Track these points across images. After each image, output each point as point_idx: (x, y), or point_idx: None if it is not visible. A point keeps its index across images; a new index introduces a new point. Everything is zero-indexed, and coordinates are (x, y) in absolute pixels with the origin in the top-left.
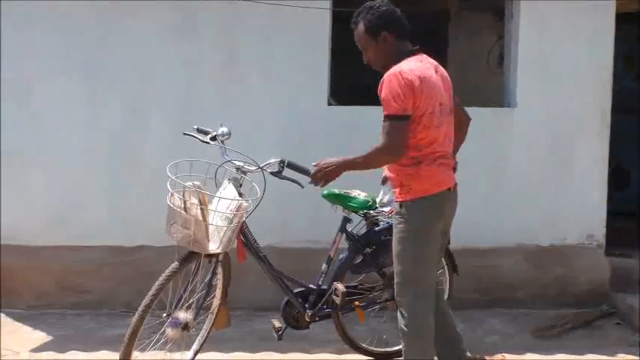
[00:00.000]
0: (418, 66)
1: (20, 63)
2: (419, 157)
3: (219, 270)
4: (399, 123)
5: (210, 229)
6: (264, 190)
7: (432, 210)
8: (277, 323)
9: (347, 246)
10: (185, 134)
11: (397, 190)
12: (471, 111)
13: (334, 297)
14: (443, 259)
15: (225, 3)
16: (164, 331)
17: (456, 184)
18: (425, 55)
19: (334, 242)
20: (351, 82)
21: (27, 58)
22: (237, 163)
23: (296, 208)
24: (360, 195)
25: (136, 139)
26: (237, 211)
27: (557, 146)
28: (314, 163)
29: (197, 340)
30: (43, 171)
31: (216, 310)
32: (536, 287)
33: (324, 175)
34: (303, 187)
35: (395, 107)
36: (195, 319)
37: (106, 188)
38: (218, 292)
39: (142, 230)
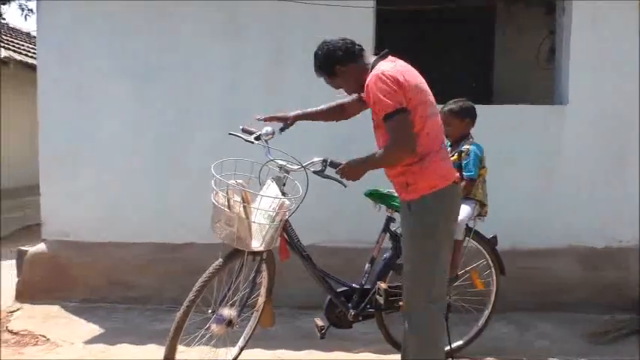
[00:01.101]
0: (394, 64)
1: (74, 66)
2: (422, 151)
3: (264, 268)
4: (400, 117)
5: (253, 227)
6: (307, 189)
7: (441, 205)
8: (320, 322)
9: (390, 246)
10: (230, 134)
11: (403, 190)
12: (519, 109)
13: (377, 297)
14: (490, 261)
15: (271, 3)
16: (209, 326)
17: (458, 178)
18: (394, 57)
19: (377, 242)
20: None
21: (81, 61)
22: (280, 162)
23: (340, 207)
24: None
25: (184, 139)
26: (279, 209)
27: (610, 145)
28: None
29: (242, 337)
30: (95, 170)
31: (261, 309)
32: (590, 290)
33: (347, 174)
34: (345, 186)
35: (390, 104)
36: (239, 316)
37: (155, 187)
38: (263, 291)
39: (189, 228)
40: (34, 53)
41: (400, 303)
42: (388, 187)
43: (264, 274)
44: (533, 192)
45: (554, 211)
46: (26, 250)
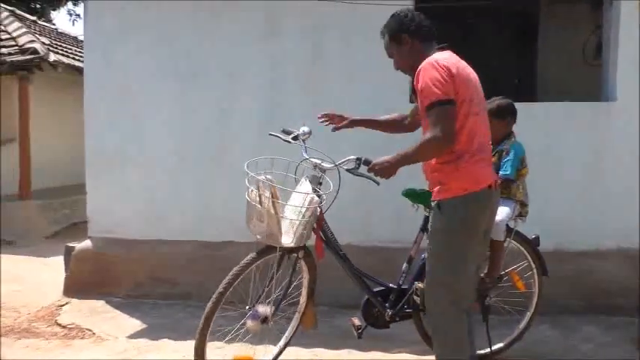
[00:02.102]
0: (449, 56)
1: (119, 68)
2: (459, 150)
3: (303, 268)
4: (445, 107)
5: (284, 222)
6: (339, 187)
7: (471, 209)
8: (357, 321)
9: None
10: (270, 134)
11: (436, 188)
12: (565, 106)
13: (415, 297)
14: (532, 262)
15: (309, 3)
16: (244, 322)
17: (497, 182)
18: (452, 52)
19: (415, 241)
20: None
21: (125, 63)
22: (315, 160)
23: (378, 207)
24: None
25: (225, 139)
26: (308, 205)
27: None
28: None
29: (283, 337)
30: (139, 170)
31: (302, 310)
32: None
33: (379, 172)
34: (378, 184)
35: (438, 93)
36: (274, 314)
37: (198, 186)
38: (304, 291)
39: (230, 227)
40: (81, 56)
41: None
42: (422, 187)
43: (306, 275)
44: (580, 191)
45: (602, 212)
46: (73, 247)
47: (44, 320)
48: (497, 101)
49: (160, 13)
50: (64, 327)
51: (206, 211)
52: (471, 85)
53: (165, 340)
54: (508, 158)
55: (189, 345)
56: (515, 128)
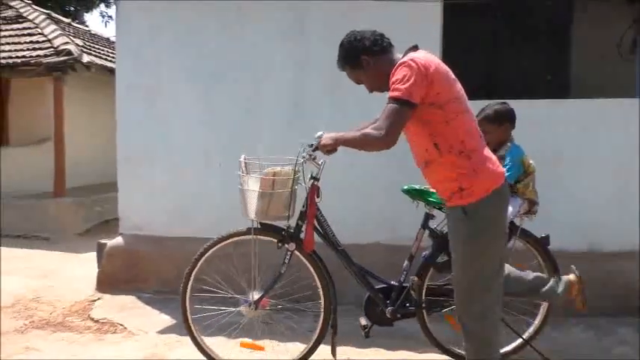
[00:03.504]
0: (426, 54)
1: (149, 69)
2: (466, 150)
3: (310, 268)
4: (401, 108)
5: (248, 195)
6: (302, 166)
7: (497, 207)
8: (363, 321)
9: (431, 243)
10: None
11: (456, 195)
12: (598, 103)
13: (412, 291)
14: (542, 262)
15: (335, 3)
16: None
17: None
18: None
19: (416, 238)
20: (463, 78)
21: (155, 64)
22: (303, 154)
23: (407, 206)
24: None
25: (251, 138)
26: (270, 177)
27: None
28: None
29: (313, 339)
30: (168, 169)
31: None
32: None
33: (321, 147)
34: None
35: (402, 90)
36: (259, 299)
37: (223, 185)
38: (322, 299)
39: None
40: (113, 57)
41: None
42: (421, 183)
43: (314, 276)
44: (614, 191)
45: (635, 212)
46: (105, 243)
47: (78, 314)
48: (495, 106)
49: (187, 14)
50: (96, 321)
51: (232, 209)
52: (453, 82)
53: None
54: (506, 165)
55: (217, 341)
56: (548, 125)
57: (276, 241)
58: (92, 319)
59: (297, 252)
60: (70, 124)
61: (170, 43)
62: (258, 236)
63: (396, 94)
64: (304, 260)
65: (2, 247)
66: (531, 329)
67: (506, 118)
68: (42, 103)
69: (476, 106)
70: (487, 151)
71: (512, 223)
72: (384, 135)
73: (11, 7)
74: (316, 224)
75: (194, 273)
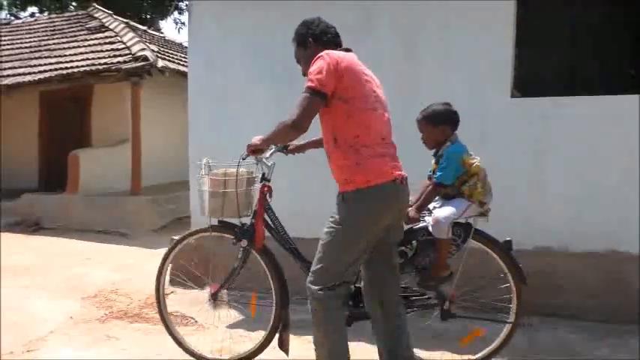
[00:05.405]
0: (346, 54)
1: (220, 72)
2: (357, 145)
3: (259, 257)
4: (312, 97)
5: (204, 194)
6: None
7: (371, 203)
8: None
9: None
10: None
11: (342, 183)
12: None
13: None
14: (505, 268)
15: (402, 2)
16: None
17: (405, 178)
18: (354, 56)
19: None
20: (537, 71)
21: (225, 67)
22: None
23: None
24: None
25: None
26: (222, 177)
27: None
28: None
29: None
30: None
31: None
32: None
33: (248, 149)
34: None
35: (314, 81)
36: (219, 290)
37: (293, 185)
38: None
39: (321, 224)
40: (186, 61)
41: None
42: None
43: (270, 274)
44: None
45: None
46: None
47: (153, 307)
48: (434, 107)
49: (256, 17)
50: (170, 314)
51: (299, 209)
52: (364, 83)
53: (261, 331)
54: (442, 165)
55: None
56: (629, 121)
57: (232, 237)
58: None
59: (249, 248)
60: (146, 126)
61: (240, 46)
62: (214, 233)
63: (309, 84)
64: (257, 256)
65: (86, 242)
66: (502, 335)
67: (444, 120)
68: (121, 106)
69: (552, 103)
70: (385, 151)
71: (466, 224)
72: (294, 121)
73: (95, 19)
74: (269, 222)
75: (165, 269)
